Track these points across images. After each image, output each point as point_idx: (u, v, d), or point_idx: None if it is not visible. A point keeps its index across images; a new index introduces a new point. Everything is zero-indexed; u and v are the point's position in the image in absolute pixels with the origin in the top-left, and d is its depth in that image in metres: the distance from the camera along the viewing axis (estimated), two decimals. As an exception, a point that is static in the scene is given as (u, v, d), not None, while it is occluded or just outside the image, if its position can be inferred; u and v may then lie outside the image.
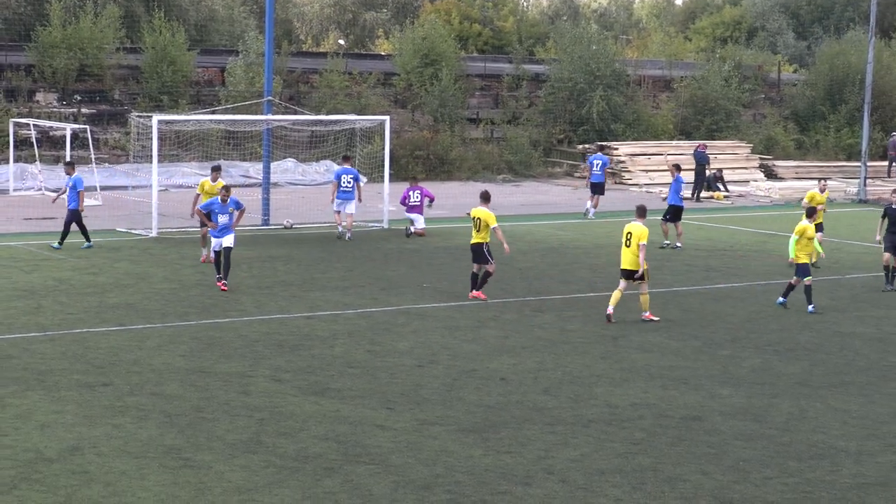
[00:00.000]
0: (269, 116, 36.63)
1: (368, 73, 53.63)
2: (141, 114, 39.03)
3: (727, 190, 47.90)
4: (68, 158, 38.11)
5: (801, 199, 46.53)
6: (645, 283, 22.44)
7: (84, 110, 47.65)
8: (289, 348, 19.62)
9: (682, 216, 33.20)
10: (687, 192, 44.83)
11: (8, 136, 41.23)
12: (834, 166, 55.17)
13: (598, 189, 39.05)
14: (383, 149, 37.00)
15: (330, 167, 45.11)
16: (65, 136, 40.17)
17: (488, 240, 23.78)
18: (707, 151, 47.51)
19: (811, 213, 24.82)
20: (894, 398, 17.75)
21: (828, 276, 27.87)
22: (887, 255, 26.42)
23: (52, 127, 44.34)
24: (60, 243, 28.88)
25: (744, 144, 55.22)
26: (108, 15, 51.66)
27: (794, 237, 24.14)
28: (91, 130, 42.22)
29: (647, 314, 22.47)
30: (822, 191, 30.62)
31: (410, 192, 33.72)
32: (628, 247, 22.28)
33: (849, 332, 22.21)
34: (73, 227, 28.98)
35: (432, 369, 18.53)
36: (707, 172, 46.70)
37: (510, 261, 27.10)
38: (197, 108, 45.50)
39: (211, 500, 12.76)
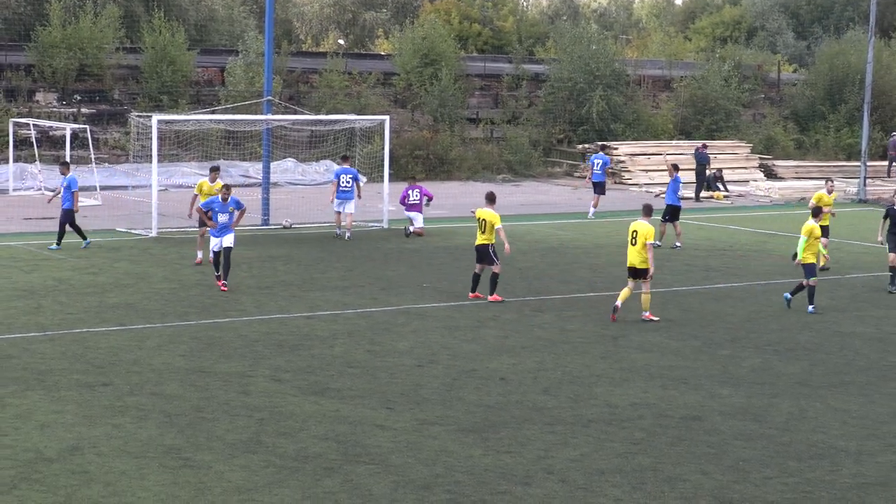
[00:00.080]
0: (269, 116, 36.63)
1: (368, 73, 53.64)
2: (141, 114, 39.02)
3: (727, 190, 47.90)
4: (66, 158, 38.13)
5: (801, 198, 46.80)
6: (648, 282, 22.44)
7: (84, 110, 47.65)
8: (289, 348, 19.62)
9: (681, 216, 33.23)
10: (689, 192, 44.98)
11: (8, 135, 41.23)
12: (834, 166, 55.15)
13: (598, 189, 39.06)
14: (383, 149, 37.01)
15: (330, 167, 45.12)
16: (64, 136, 40.18)
17: (493, 241, 23.77)
18: (707, 151, 47.50)
19: (817, 212, 24.64)
20: (894, 398, 17.75)
21: (828, 276, 27.85)
22: (893, 255, 26.35)
23: (51, 127, 44.34)
24: (58, 244, 28.88)
25: (743, 144, 55.22)
26: (108, 15, 51.65)
27: (802, 238, 23.89)
28: (91, 130, 42.23)
29: (647, 314, 22.47)
30: (830, 192, 29.66)
31: (410, 191, 33.76)
32: (634, 245, 22.25)
33: (849, 332, 22.21)
34: (69, 226, 28.98)
35: (432, 369, 18.53)
36: (707, 172, 46.70)
37: (510, 261, 27.09)
38: (197, 108, 45.50)
39: (211, 499, 12.76)
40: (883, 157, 57.09)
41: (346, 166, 33.22)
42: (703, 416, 16.41)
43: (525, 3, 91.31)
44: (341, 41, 75.95)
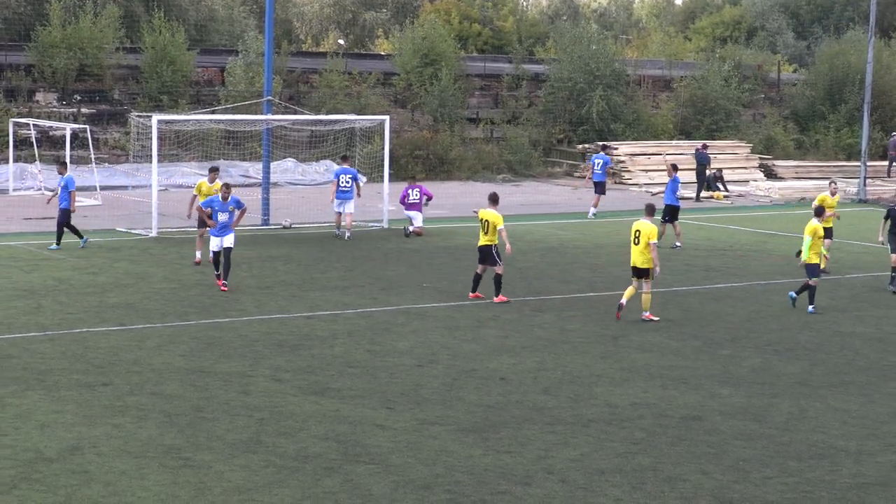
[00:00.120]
0: (269, 116, 36.63)
1: (368, 73, 53.63)
2: (141, 114, 39.03)
3: (727, 190, 47.90)
4: (67, 158, 38.12)
5: (801, 198, 46.81)
6: (649, 281, 22.44)
7: (84, 110, 47.65)
8: (289, 348, 19.62)
9: (681, 216, 33.23)
10: (689, 193, 45.00)
11: (8, 135, 41.23)
12: (834, 166, 55.16)
13: (598, 188, 39.07)
14: (383, 149, 37.01)
15: (330, 167, 45.12)
16: (64, 136, 40.18)
17: (496, 241, 23.75)
18: (708, 152, 47.50)
19: (820, 211, 24.49)
20: (894, 398, 17.75)
21: (828, 276, 27.83)
22: (895, 255, 26.29)
23: (51, 127, 44.34)
24: (58, 244, 28.88)
25: (743, 144, 55.21)
26: (108, 15, 51.65)
27: (808, 238, 23.76)
28: (91, 130, 42.23)
29: (647, 314, 22.47)
30: (833, 193, 29.09)
31: (410, 191, 33.84)
32: (637, 245, 22.24)
33: (849, 332, 22.21)
34: (65, 226, 28.98)
35: (432, 369, 18.53)
36: (707, 172, 46.70)
37: (510, 261, 27.06)
38: (197, 108, 45.50)
39: (211, 499, 12.76)
40: (883, 157, 57.09)
41: (345, 166, 33.24)
42: (703, 415, 16.41)
43: (525, 3, 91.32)
44: (341, 41, 75.96)
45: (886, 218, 26.97)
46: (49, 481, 13.10)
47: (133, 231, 32.38)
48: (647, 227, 22.20)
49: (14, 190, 39.95)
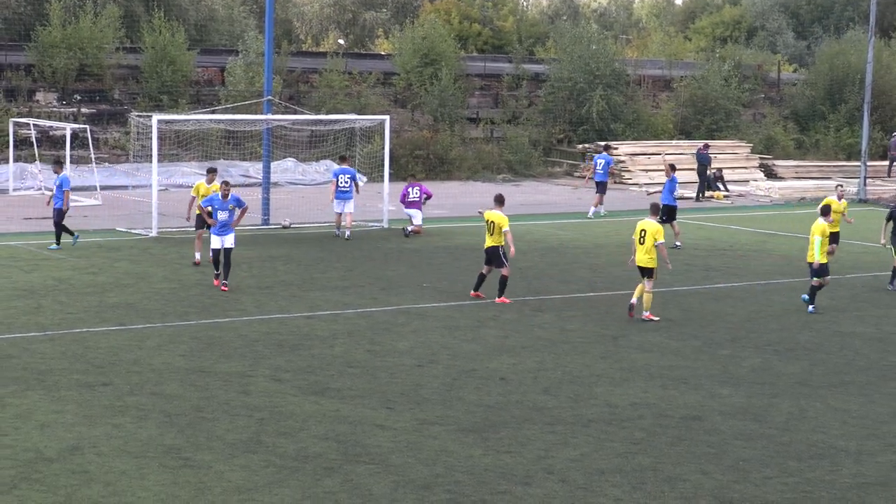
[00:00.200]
0: (269, 116, 36.63)
1: (368, 73, 53.62)
2: (141, 113, 39.02)
3: (727, 189, 47.89)
4: (66, 158, 38.13)
5: (801, 198, 46.84)
6: (652, 281, 22.45)
7: (84, 110, 47.65)
8: (289, 348, 19.62)
9: (681, 216, 33.22)
10: (689, 193, 45.03)
11: (8, 135, 41.22)
12: (834, 166, 55.18)
13: (600, 188, 39.09)
14: (383, 148, 37.02)
15: (330, 167, 45.08)
16: (65, 136, 40.18)
17: (503, 243, 23.74)
18: (709, 152, 47.48)
19: (826, 211, 24.31)
20: (894, 398, 17.75)
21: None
22: None
23: (51, 127, 44.33)
24: (57, 244, 28.88)
25: (744, 144, 55.21)
26: (108, 15, 51.63)
27: (817, 238, 23.56)
28: (91, 130, 42.21)
29: (648, 314, 22.47)
30: (840, 198, 28.30)
31: (410, 189, 33.91)
32: (642, 244, 22.26)
33: (849, 332, 22.21)
34: (64, 223, 28.99)
35: (432, 369, 18.53)
36: (707, 172, 46.69)
37: (511, 261, 27.06)
38: (197, 108, 45.49)
39: (211, 499, 12.76)
40: (883, 157, 57.08)
41: (344, 166, 33.28)
42: (703, 415, 16.41)
43: (525, 3, 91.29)
44: (341, 41, 75.94)
45: (888, 219, 26.93)
46: (49, 481, 13.10)
47: (133, 231, 32.38)
48: (653, 227, 22.23)
49: (14, 190, 39.94)
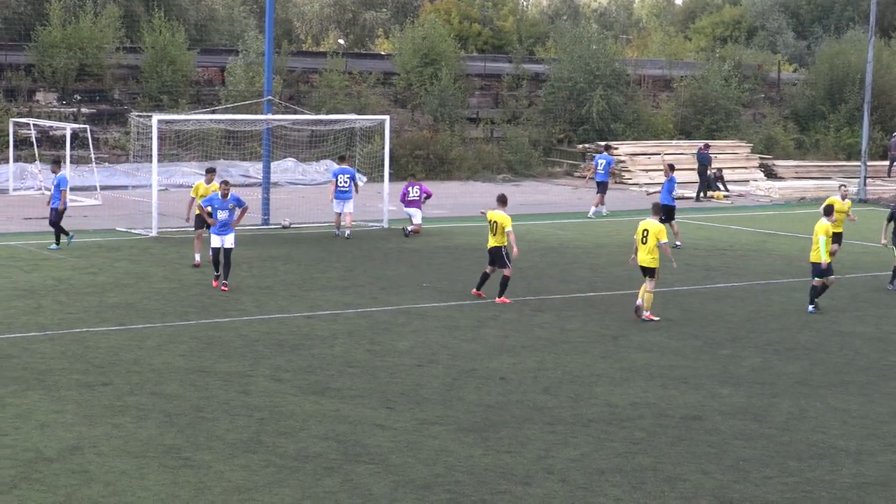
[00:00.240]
0: (269, 116, 36.63)
1: (368, 73, 53.63)
2: (141, 113, 39.02)
3: (727, 189, 47.89)
4: (66, 158, 38.14)
5: (801, 198, 46.85)
6: (654, 281, 22.45)
7: (84, 110, 47.65)
8: (289, 348, 19.62)
9: (681, 216, 33.22)
10: (689, 193, 45.02)
11: (8, 135, 41.23)
12: (834, 166, 55.19)
13: (601, 188, 39.11)
14: (383, 148, 37.02)
15: (330, 167, 45.06)
16: (65, 136, 40.18)
17: (506, 243, 23.72)
18: (709, 152, 47.47)
19: (829, 210, 24.23)
20: (894, 397, 17.75)
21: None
22: None
23: (51, 127, 44.34)
24: (57, 243, 28.89)
25: (744, 144, 55.21)
26: (108, 14, 51.64)
27: (822, 238, 23.41)
28: (91, 130, 42.22)
29: (648, 314, 22.47)
30: (844, 198, 28.21)
31: (410, 188, 33.96)
32: (645, 244, 22.27)
33: (849, 332, 22.21)
34: (64, 223, 28.97)
35: (432, 369, 18.53)
36: (707, 172, 46.68)
37: (512, 261, 27.06)
38: (197, 108, 45.50)
39: (211, 499, 12.76)
40: (883, 157, 57.09)
41: (343, 166, 33.32)
42: (704, 415, 16.41)
43: (525, 3, 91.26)
44: (341, 41, 75.93)
45: (889, 220, 26.91)
46: (49, 481, 13.10)
47: (133, 231, 32.38)
48: (655, 227, 22.25)
49: (14, 190, 39.94)
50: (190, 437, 14.78)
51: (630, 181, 49.70)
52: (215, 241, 24.36)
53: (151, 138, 32.52)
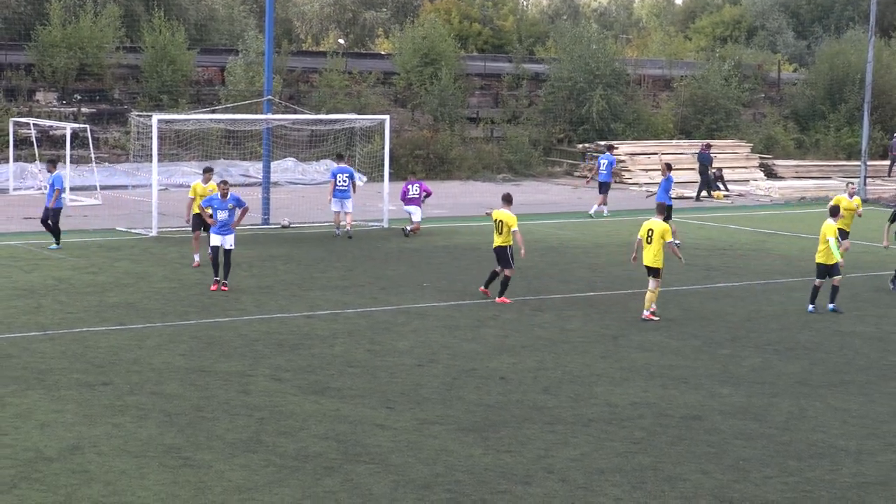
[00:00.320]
0: (269, 116, 36.63)
1: (368, 73, 53.63)
2: (141, 113, 39.01)
3: (727, 189, 47.89)
4: (67, 157, 38.15)
5: (801, 197, 46.85)
6: (658, 280, 22.44)
7: (84, 109, 47.66)
8: (289, 347, 19.62)
9: (681, 215, 33.22)
10: (691, 192, 45.01)
11: (8, 135, 41.23)
12: (834, 165, 55.20)
13: (603, 188, 39.13)
14: (383, 148, 37.02)
15: (330, 166, 45.07)
16: (65, 136, 40.19)
17: (511, 242, 23.71)
18: (711, 152, 47.45)
19: (835, 211, 24.19)
20: (894, 397, 17.75)
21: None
22: None
23: (52, 126, 44.35)
24: (57, 243, 28.89)
25: (744, 144, 55.22)
26: (108, 14, 51.65)
27: (831, 239, 23.28)
28: (91, 130, 42.21)
29: (647, 314, 22.46)
30: (852, 195, 27.95)
31: (410, 186, 33.99)
32: (650, 244, 22.27)
33: (848, 332, 22.21)
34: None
35: (432, 368, 18.53)
36: (708, 172, 46.67)
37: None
38: (197, 108, 45.50)
39: (211, 499, 12.76)
40: (883, 157, 57.10)
41: (342, 165, 33.34)
42: (704, 415, 16.41)
43: (525, 3, 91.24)
44: (341, 40, 75.91)
45: (892, 220, 26.87)
46: (49, 481, 13.10)
47: (133, 230, 32.39)
48: (660, 227, 22.26)
49: (14, 189, 39.95)
50: (190, 436, 14.78)
51: (630, 181, 49.70)
52: (215, 239, 24.29)
53: (151, 138, 32.52)
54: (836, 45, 63.46)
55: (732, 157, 53.40)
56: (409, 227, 33.31)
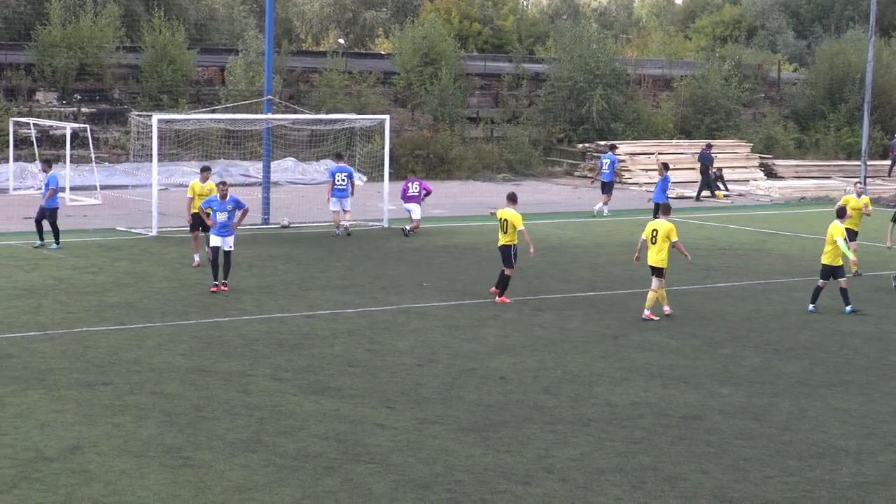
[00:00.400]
0: (269, 115, 36.63)
1: (368, 73, 53.63)
2: (141, 113, 39.01)
3: (727, 189, 47.88)
4: (67, 157, 38.14)
5: (801, 197, 46.85)
6: (660, 281, 22.45)
7: (84, 109, 47.66)
8: (289, 347, 19.62)
9: (680, 215, 33.20)
10: (691, 192, 45.00)
11: (8, 135, 41.24)
12: (834, 165, 55.18)
13: (605, 188, 39.14)
14: (383, 148, 37.02)
15: (330, 166, 45.11)
16: (65, 136, 40.19)
17: (516, 241, 23.70)
18: (711, 152, 47.42)
19: (842, 213, 24.10)
20: (894, 397, 17.75)
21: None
22: None
23: (52, 126, 44.36)
24: (57, 243, 28.89)
25: (744, 143, 55.21)
26: (108, 14, 51.64)
27: (839, 240, 23.19)
28: (91, 129, 42.22)
29: (648, 313, 22.47)
30: (860, 195, 28.27)
31: (410, 185, 34.04)
32: (654, 244, 22.28)
33: (849, 332, 22.21)
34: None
35: (432, 368, 18.53)
36: (709, 172, 46.65)
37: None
38: (197, 108, 45.50)
39: (211, 498, 12.76)
40: (883, 157, 57.09)
41: (341, 164, 33.35)
42: (704, 415, 16.41)
43: (525, 3, 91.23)
44: (341, 40, 75.90)
45: (894, 220, 26.83)
46: (49, 480, 13.10)
47: (133, 230, 32.39)
48: (665, 227, 22.29)
49: (14, 189, 39.96)
50: (190, 436, 14.78)
51: (630, 181, 49.69)
52: (214, 240, 24.27)
53: (151, 138, 32.53)
54: (836, 44, 63.44)
55: (732, 156, 53.39)
56: (408, 227, 33.31)
